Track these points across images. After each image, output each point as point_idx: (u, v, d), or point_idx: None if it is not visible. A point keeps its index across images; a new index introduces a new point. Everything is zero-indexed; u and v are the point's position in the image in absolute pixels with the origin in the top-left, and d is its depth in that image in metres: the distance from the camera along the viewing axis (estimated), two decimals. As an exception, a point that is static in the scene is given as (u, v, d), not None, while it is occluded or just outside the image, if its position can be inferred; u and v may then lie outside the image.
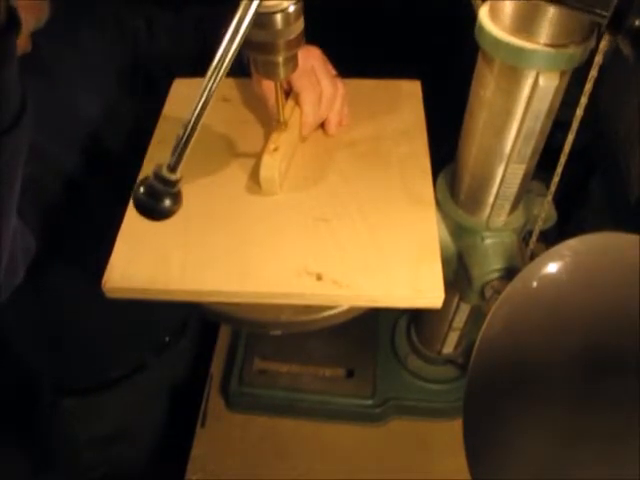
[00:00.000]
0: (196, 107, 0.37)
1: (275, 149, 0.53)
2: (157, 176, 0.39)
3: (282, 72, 0.47)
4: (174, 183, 0.39)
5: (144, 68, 0.63)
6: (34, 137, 0.52)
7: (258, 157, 0.55)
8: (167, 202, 0.40)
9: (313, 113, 0.56)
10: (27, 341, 0.71)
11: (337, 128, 0.59)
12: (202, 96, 0.37)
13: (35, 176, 0.54)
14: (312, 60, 0.56)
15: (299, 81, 0.55)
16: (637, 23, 0.31)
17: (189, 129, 0.37)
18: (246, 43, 0.44)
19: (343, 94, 0.58)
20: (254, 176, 0.55)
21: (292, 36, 0.44)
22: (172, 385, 0.92)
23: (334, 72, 0.59)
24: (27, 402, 0.81)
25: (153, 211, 0.40)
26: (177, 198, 0.40)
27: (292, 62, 0.47)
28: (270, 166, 0.52)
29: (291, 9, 0.42)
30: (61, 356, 0.75)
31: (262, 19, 0.42)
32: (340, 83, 0.58)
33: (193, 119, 0.37)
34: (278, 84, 0.50)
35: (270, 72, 0.48)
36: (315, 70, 0.56)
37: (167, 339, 0.84)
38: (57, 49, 0.53)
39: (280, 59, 0.46)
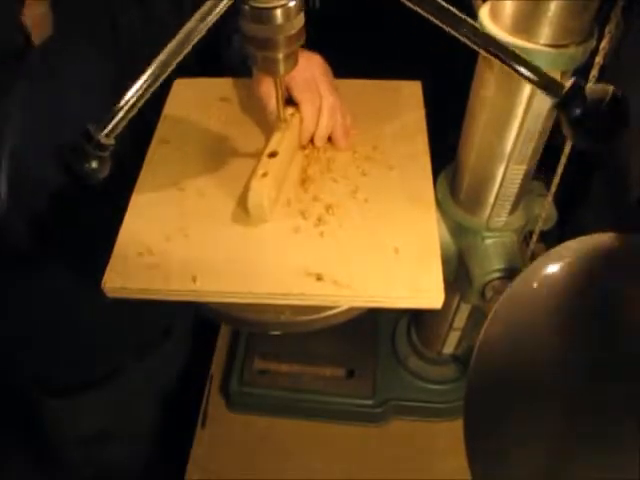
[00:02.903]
0: (145, 80, 0.37)
1: (264, 174, 0.51)
2: (88, 136, 0.38)
3: (282, 68, 0.47)
4: (106, 147, 0.39)
5: (144, 67, 0.62)
6: (28, 144, 0.52)
7: (255, 161, 0.54)
8: (93, 164, 0.39)
9: (313, 123, 0.56)
10: (8, 340, 0.71)
11: (346, 140, 0.58)
12: (152, 70, 0.37)
13: (24, 187, 0.54)
14: (313, 69, 0.56)
15: (299, 91, 0.55)
16: (577, 112, 0.35)
17: (132, 99, 0.37)
18: (246, 39, 0.44)
19: (340, 105, 0.58)
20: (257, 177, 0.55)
21: (292, 32, 0.43)
22: (167, 388, 0.92)
23: (334, 82, 0.58)
24: (13, 402, 0.81)
25: (76, 171, 0.39)
26: (105, 164, 0.39)
27: (292, 58, 0.47)
28: (259, 193, 0.50)
29: (291, 4, 0.41)
30: (42, 355, 0.75)
31: (262, 14, 0.41)
32: (337, 94, 0.58)
33: (138, 90, 0.37)
34: (278, 81, 0.50)
35: (270, 68, 0.47)
36: (316, 79, 0.55)
37: (148, 343, 0.83)
38: (54, 58, 0.53)
39: (280, 55, 0.45)
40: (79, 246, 0.59)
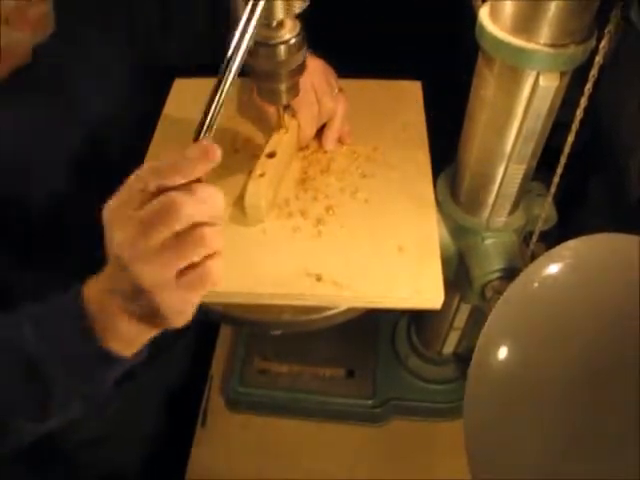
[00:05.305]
0: (208, 110, 0.37)
1: (261, 175, 0.52)
2: None
3: (284, 98, 0.50)
4: None
5: (159, 67, 0.62)
6: (31, 145, 0.52)
7: (255, 161, 0.55)
8: None
9: (310, 131, 0.57)
10: None
11: (335, 144, 0.59)
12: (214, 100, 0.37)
13: (23, 191, 0.54)
14: (312, 76, 0.55)
15: (296, 101, 0.55)
16: None
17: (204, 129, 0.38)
18: (250, 71, 0.46)
19: (344, 109, 0.58)
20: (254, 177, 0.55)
21: (294, 65, 0.46)
22: (167, 388, 0.92)
23: (336, 85, 0.58)
24: None
25: None
26: None
27: (294, 89, 0.50)
28: (256, 193, 0.51)
29: (292, 41, 0.44)
30: None
31: (266, 50, 0.44)
32: (342, 98, 0.58)
33: (207, 122, 0.37)
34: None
35: (273, 98, 0.50)
36: (315, 87, 0.56)
37: (158, 347, 0.83)
38: (65, 55, 0.53)
39: (283, 87, 0.48)
40: (79, 246, 0.59)
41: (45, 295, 0.65)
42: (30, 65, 0.49)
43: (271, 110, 0.55)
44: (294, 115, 0.56)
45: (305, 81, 0.54)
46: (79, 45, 0.54)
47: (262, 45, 0.44)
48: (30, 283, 0.64)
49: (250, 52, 0.44)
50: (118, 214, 0.37)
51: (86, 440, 0.83)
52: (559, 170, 0.48)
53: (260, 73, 0.47)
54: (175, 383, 0.92)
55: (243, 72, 0.60)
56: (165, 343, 0.84)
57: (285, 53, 0.45)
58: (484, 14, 0.42)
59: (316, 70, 0.56)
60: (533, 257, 0.51)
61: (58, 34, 0.51)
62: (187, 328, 0.84)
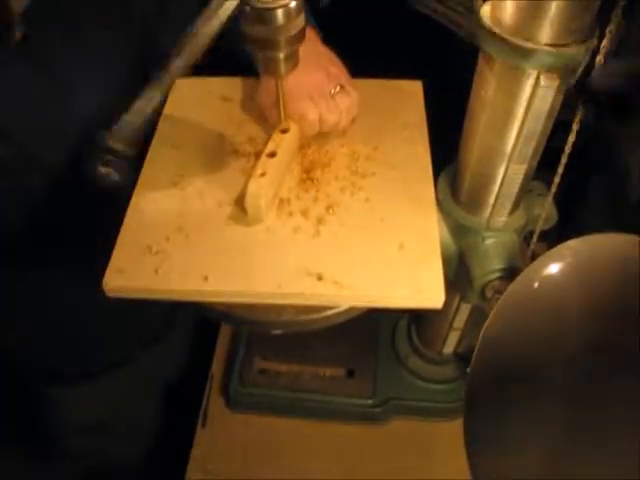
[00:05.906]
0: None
1: (262, 174, 0.51)
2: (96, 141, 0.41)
3: (283, 68, 0.47)
4: (115, 152, 0.42)
5: (155, 53, 0.61)
6: (21, 132, 0.52)
7: (255, 160, 0.54)
8: (102, 170, 0.44)
9: (312, 132, 0.56)
10: (12, 334, 0.71)
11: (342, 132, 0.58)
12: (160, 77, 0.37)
13: (21, 173, 0.54)
14: (310, 77, 0.55)
15: (294, 102, 0.54)
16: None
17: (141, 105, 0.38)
18: (247, 39, 0.44)
19: (348, 110, 0.57)
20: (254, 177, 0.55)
21: (293, 32, 0.44)
22: (166, 380, 0.92)
23: (341, 79, 0.57)
24: (14, 390, 0.81)
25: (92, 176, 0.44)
26: (118, 169, 0.44)
27: (293, 58, 0.47)
28: (256, 193, 0.51)
29: (292, 4, 0.42)
30: (44, 344, 0.75)
31: (263, 15, 0.42)
32: (348, 98, 0.57)
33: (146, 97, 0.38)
34: (279, 84, 0.50)
35: (271, 68, 0.47)
36: (314, 98, 0.54)
37: (152, 335, 0.83)
38: (55, 36, 0.52)
39: (281, 55, 0.46)
40: (80, 246, 0.59)
41: (45, 288, 0.66)
42: (20, 48, 0.48)
43: (273, 116, 0.54)
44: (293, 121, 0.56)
45: (301, 87, 0.53)
46: (73, 28, 0.53)
47: (258, 10, 0.41)
48: (30, 278, 0.64)
49: (245, 17, 0.42)
50: None
51: (84, 426, 0.83)
52: (560, 170, 0.48)
53: (256, 41, 0.44)
54: (174, 375, 0.92)
55: (242, 69, 0.60)
56: (162, 330, 0.85)
57: (284, 18, 0.42)
58: (485, 14, 0.42)
59: (313, 72, 0.55)
60: (533, 257, 0.51)
61: (52, 15, 0.50)
62: (184, 317, 0.82)
